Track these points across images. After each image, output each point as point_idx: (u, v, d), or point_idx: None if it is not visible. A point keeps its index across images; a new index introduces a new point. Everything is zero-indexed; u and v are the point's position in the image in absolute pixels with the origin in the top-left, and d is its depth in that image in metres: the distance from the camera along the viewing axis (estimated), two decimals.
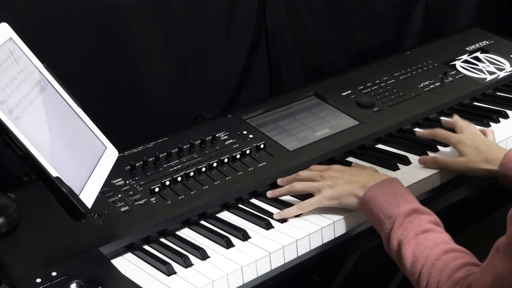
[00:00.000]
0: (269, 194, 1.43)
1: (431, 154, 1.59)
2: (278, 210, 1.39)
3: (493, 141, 1.58)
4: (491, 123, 1.72)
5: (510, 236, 0.97)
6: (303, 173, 1.44)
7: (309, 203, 1.37)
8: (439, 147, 1.61)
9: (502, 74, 1.94)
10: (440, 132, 1.59)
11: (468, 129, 1.58)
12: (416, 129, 1.64)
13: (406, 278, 1.22)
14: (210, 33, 1.87)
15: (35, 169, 1.15)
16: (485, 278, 1.02)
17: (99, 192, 1.28)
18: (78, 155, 1.29)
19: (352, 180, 1.35)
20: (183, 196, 1.42)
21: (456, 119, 1.62)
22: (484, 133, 1.60)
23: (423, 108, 1.77)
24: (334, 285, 1.74)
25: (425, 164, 1.53)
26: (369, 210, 1.30)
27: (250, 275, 1.26)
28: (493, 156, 1.48)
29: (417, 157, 1.57)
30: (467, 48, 2.07)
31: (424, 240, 1.19)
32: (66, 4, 1.60)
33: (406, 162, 1.55)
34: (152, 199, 1.41)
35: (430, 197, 1.50)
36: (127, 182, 1.45)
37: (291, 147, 1.60)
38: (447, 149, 1.60)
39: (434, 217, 1.25)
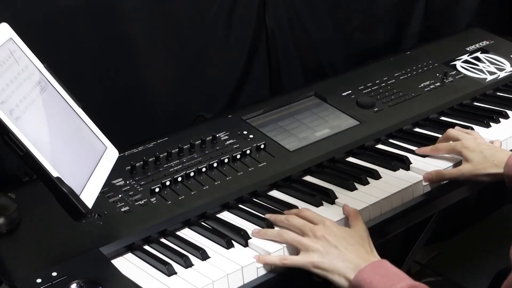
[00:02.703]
0: (255, 233, 1.33)
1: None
2: (278, 213, 1.39)
3: (497, 145, 1.57)
4: (491, 123, 1.72)
5: None
6: (293, 220, 1.33)
7: (293, 261, 1.27)
8: None
9: (502, 74, 1.94)
10: (441, 146, 1.57)
11: (465, 135, 1.57)
12: (416, 149, 1.60)
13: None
14: (210, 33, 1.87)
15: (36, 169, 1.15)
16: None
17: (100, 192, 1.28)
18: (78, 155, 1.29)
19: (345, 257, 1.24)
20: (183, 196, 1.42)
21: (447, 131, 1.60)
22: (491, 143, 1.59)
23: (423, 108, 1.77)
24: (334, 286, 1.74)
25: (431, 181, 1.50)
26: None
27: (250, 275, 1.26)
28: (499, 159, 1.46)
29: (417, 158, 1.58)
30: (467, 48, 2.07)
31: None
32: (66, 4, 1.60)
33: (407, 163, 1.55)
34: (152, 199, 1.41)
35: (430, 198, 1.50)
36: (127, 182, 1.45)
37: (291, 147, 1.60)
38: None
39: None
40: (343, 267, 1.24)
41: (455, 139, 1.57)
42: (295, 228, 1.31)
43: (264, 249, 1.29)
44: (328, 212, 1.38)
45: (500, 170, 1.46)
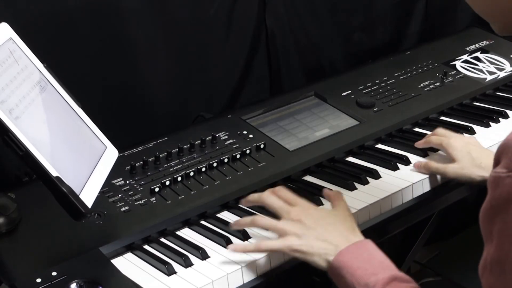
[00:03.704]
0: (232, 225, 1.31)
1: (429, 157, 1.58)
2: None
3: (483, 147, 1.54)
4: (491, 123, 1.72)
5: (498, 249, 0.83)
6: (268, 198, 1.29)
7: (269, 245, 1.23)
8: None
9: (502, 74, 1.94)
10: (433, 139, 1.56)
11: (453, 134, 1.55)
12: (416, 143, 1.60)
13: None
14: (210, 33, 1.87)
15: (35, 169, 1.15)
16: None
17: (99, 192, 1.28)
18: (78, 155, 1.29)
19: (324, 237, 1.20)
20: (183, 196, 1.42)
21: (435, 131, 1.59)
22: None
23: (423, 108, 1.77)
24: (334, 285, 1.74)
25: (419, 169, 1.50)
26: (340, 277, 1.16)
27: (250, 275, 1.26)
28: (487, 162, 1.42)
29: (417, 157, 1.58)
30: (467, 48, 2.07)
31: None
32: (66, 4, 1.60)
33: (406, 162, 1.55)
34: (152, 199, 1.41)
35: (430, 197, 1.50)
36: (127, 182, 1.45)
37: (291, 147, 1.60)
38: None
39: (414, 285, 1.11)
40: (322, 248, 1.19)
41: (444, 135, 1.55)
42: (270, 206, 1.28)
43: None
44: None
45: (485, 173, 1.40)
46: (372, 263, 1.15)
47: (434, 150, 1.59)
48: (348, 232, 1.22)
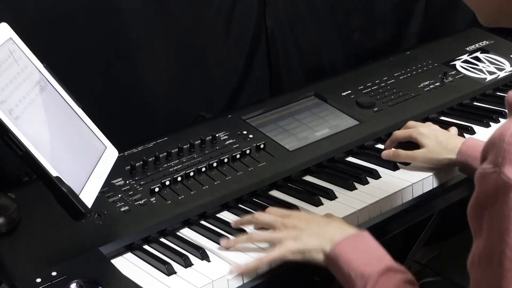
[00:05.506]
0: (224, 244, 1.29)
1: None
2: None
3: (453, 132, 1.58)
4: (491, 123, 1.72)
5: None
6: (262, 217, 1.30)
7: (270, 257, 1.23)
8: None
9: (502, 74, 1.94)
10: (397, 132, 1.57)
11: (420, 123, 1.58)
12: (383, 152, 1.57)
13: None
14: (210, 33, 1.87)
15: (35, 169, 1.15)
16: None
17: (99, 192, 1.28)
18: (78, 155, 1.29)
19: (318, 232, 1.22)
20: (183, 196, 1.43)
21: (407, 123, 1.61)
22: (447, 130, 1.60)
23: (423, 108, 1.77)
24: (334, 285, 1.74)
25: (388, 158, 1.52)
26: (337, 267, 1.17)
27: (250, 275, 1.26)
28: (453, 145, 1.48)
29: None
30: (467, 48, 2.07)
31: None
32: (66, 4, 1.60)
33: (406, 162, 1.55)
34: (152, 199, 1.41)
35: (430, 197, 1.50)
36: (127, 182, 1.45)
37: (291, 147, 1.60)
38: None
39: (409, 276, 1.13)
40: (317, 242, 1.21)
41: (413, 126, 1.58)
42: (264, 224, 1.30)
43: (264, 249, 1.29)
44: (327, 212, 1.38)
45: (453, 155, 1.47)
46: (368, 254, 1.17)
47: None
48: (344, 226, 1.25)
